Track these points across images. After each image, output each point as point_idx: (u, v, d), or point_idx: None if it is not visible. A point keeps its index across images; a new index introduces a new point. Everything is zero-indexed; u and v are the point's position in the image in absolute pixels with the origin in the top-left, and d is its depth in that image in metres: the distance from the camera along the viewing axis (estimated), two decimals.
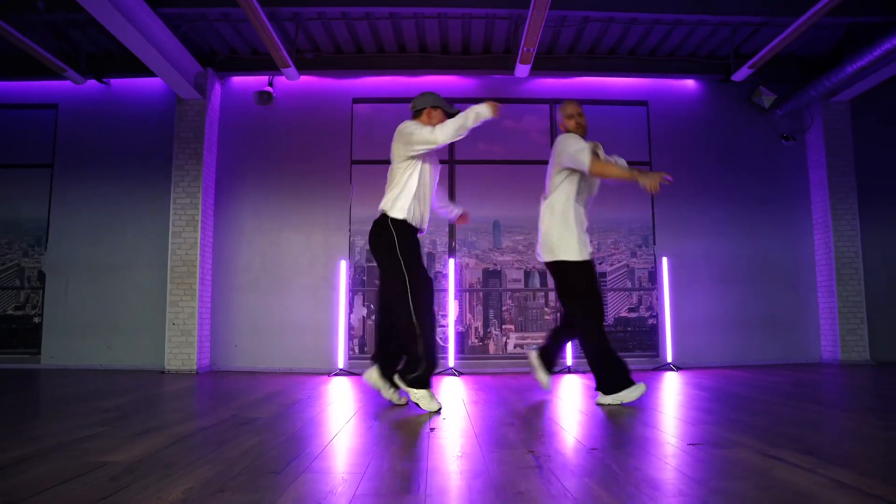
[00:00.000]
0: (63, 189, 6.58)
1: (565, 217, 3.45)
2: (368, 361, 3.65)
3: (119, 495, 1.60)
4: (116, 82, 6.66)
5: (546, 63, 6.43)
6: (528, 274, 6.56)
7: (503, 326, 6.48)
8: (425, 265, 3.45)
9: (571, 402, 3.68)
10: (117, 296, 6.41)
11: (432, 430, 2.67)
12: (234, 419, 2.96)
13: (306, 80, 6.60)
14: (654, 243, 6.58)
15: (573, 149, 3.38)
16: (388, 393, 3.49)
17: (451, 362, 5.96)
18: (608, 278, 6.53)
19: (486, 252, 6.58)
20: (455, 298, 6.24)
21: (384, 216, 3.33)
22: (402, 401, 3.49)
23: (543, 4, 4.75)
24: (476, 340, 6.47)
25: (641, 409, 3.22)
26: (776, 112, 6.74)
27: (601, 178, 3.53)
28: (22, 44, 5.46)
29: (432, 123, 3.41)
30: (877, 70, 5.79)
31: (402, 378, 3.27)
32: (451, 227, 6.54)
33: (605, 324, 3.42)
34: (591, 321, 3.37)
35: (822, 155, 6.56)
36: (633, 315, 6.54)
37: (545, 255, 3.52)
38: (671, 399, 3.74)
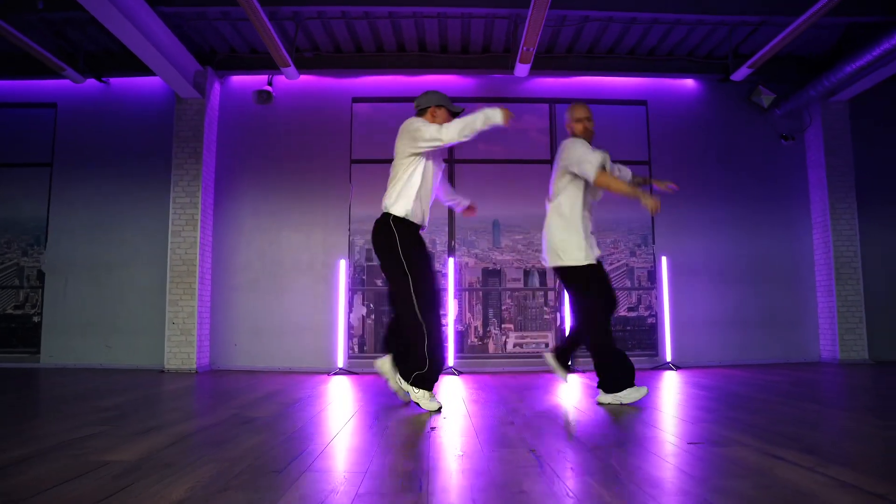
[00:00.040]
0: (62, 188, 6.57)
1: (569, 221, 3.45)
2: (381, 351, 3.60)
3: (122, 494, 1.60)
4: (116, 81, 6.65)
5: (545, 62, 6.43)
6: (527, 273, 6.56)
7: (503, 325, 6.48)
8: (432, 260, 3.44)
9: (571, 400, 3.69)
10: (116, 295, 6.40)
11: (433, 429, 2.68)
12: (235, 418, 2.96)
13: (306, 79, 6.59)
14: (654, 242, 6.59)
15: (580, 156, 3.37)
16: (395, 384, 3.45)
17: (451, 361, 5.96)
18: None
19: (485, 251, 6.58)
20: (454, 298, 6.24)
21: (386, 215, 3.31)
22: (408, 398, 3.46)
23: (543, 4, 4.75)
24: (475, 340, 6.47)
25: (641, 408, 3.23)
26: (775, 111, 6.75)
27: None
28: (21, 42, 5.45)
29: (437, 122, 3.39)
30: (876, 70, 5.79)
31: (405, 376, 3.24)
32: (451, 226, 6.54)
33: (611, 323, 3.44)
34: (597, 321, 3.38)
35: (821, 154, 6.57)
36: (633, 314, 6.55)
37: (551, 260, 3.52)
38: (671, 398, 3.75)
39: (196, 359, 5.97)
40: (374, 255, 6.40)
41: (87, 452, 2.13)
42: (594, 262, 3.44)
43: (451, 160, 6.56)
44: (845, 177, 6.52)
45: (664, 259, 6.43)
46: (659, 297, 6.43)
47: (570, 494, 1.60)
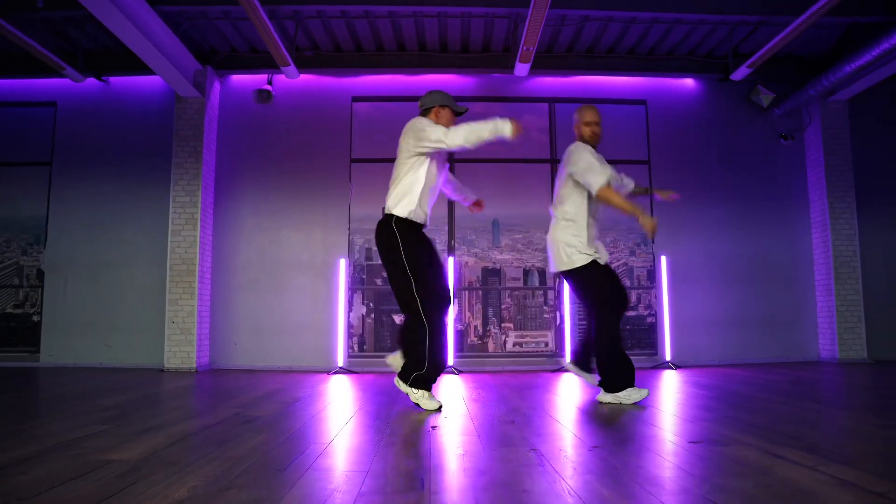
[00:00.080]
0: (62, 187, 6.57)
1: (575, 227, 3.45)
2: (395, 348, 3.58)
3: (125, 493, 1.60)
4: (115, 80, 6.65)
5: (545, 62, 6.43)
6: (527, 272, 6.57)
7: (502, 325, 6.49)
8: (438, 258, 3.41)
9: (571, 399, 3.70)
10: (116, 294, 6.40)
11: (434, 428, 2.68)
12: (236, 417, 2.96)
13: (305, 78, 6.59)
14: (653, 242, 6.59)
15: (587, 167, 3.37)
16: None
17: (451, 361, 5.97)
18: None
19: (485, 250, 6.59)
20: (454, 297, 6.24)
21: (388, 216, 3.29)
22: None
23: (543, 3, 4.75)
24: (475, 339, 6.48)
25: (642, 407, 3.24)
26: (775, 111, 6.75)
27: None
28: (21, 41, 5.45)
29: (440, 122, 3.37)
30: (875, 69, 5.80)
31: (403, 378, 3.23)
32: (451, 225, 6.54)
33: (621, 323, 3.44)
34: (605, 321, 3.39)
35: (821, 154, 6.58)
36: (632, 314, 6.56)
37: (558, 265, 3.52)
38: (671, 397, 3.76)
39: (196, 358, 5.97)
40: (374, 255, 6.44)
41: (88, 452, 2.13)
42: (601, 261, 3.44)
43: (452, 159, 6.56)
44: (844, 176, 6.53)
45: (663, 258, 6.44)
46: (658, 297, 6.44)
47: (572, 493, 1.60)
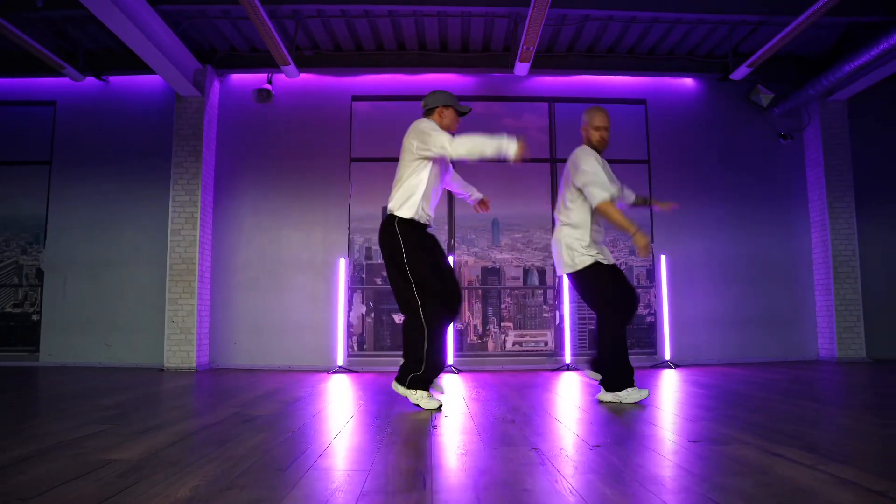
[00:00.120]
0: (61, 186, 6.56)
1: (579, 231, 3.45)
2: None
3: (127, 493, 1.61)
4: (115, 79, 6.64)
5: (545, 61, 6.43)
6: (526, 272, 6.57)
7: (502, 324, 6.49)
8: (442, 258, 3.39)
9: (571, 398, 3.70)
10: (116, 293, 6.40)
11: (434, 427, 2.68)
12: (236, 417, 2.96)
13: (305, 77, 6.59)
14: (653, 241, 6.60)
15: (591, 179, 3.36)
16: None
17: (450, 360, 5.97)
18: None
19: (484, 250, 6.59)
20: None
21: (391, 217, 3.27)
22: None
23: (544, 3, 4.75)
24: (475, 338, 6.48)
25: (642, 407, 3.24)
26: (774, 111, 6.76)
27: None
28: (20, 41, 5.44)
29: (444, 123, 3.36)
30: (875, 69, 5.81)
31: (400, 380, 3.22)
32: (451, 225, 6.54)
33: (626, 325, 3.44)
34: (608, 321, 3.40)
35: (820, 153, 6.58)
36: None
37: (564, 268, 3.52)
38: (670, 396, 3.76)
39: (196, 357, 5.97)
40: (373, 254, 6.44)
41: (89, 451, 2.13)
42: (604, 262, 3.44)
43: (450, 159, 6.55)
44: (843, 176, 6.54)
45: (663, 258, 6.45)
46: (658, 296, 6.45)
47: (574, 492, 1.61)
